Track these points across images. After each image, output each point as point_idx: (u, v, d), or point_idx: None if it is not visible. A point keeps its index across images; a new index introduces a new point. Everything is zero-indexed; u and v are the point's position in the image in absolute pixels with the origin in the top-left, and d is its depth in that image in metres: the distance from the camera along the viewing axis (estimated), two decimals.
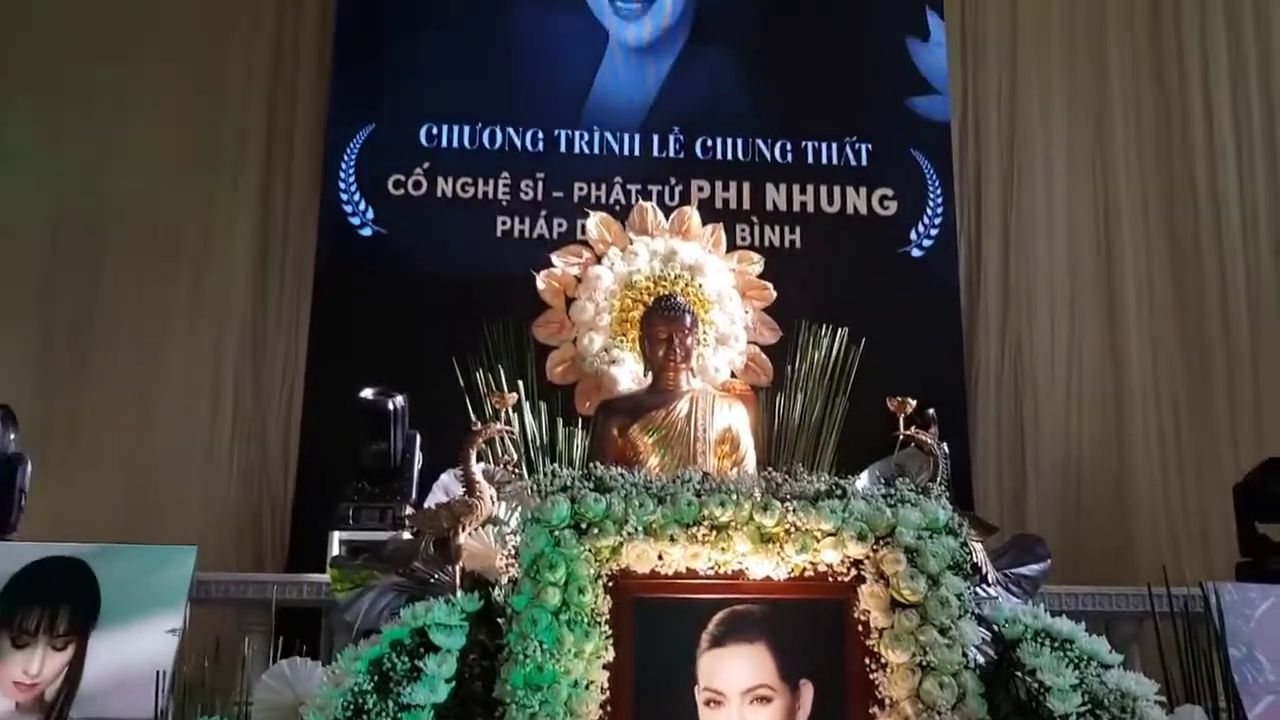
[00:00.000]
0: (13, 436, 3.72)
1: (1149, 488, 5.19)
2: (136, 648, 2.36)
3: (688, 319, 3.25)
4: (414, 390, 4.08)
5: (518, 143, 5.22)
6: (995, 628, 2.19)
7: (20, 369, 4.83)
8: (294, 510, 4.79)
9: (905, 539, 2.13)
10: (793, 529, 2.13)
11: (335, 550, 3.87)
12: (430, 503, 3.26)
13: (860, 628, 2.14)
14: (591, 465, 2.29)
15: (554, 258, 3.50)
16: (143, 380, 4.95)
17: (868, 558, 2.15)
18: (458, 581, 2.46)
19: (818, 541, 2.12)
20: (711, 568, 2.14)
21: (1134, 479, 5.19)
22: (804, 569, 2.15)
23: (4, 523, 3.53)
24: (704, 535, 2.12)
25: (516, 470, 2.89)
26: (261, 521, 4.85)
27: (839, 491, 2.19)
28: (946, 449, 4.01)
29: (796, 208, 5.24)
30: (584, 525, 2.14)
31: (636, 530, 2.11)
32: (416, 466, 4.09)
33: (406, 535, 3.37)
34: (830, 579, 2.16)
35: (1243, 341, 5.39)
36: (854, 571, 2.16)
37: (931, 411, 4.08)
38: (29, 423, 3.89)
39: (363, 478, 4.04)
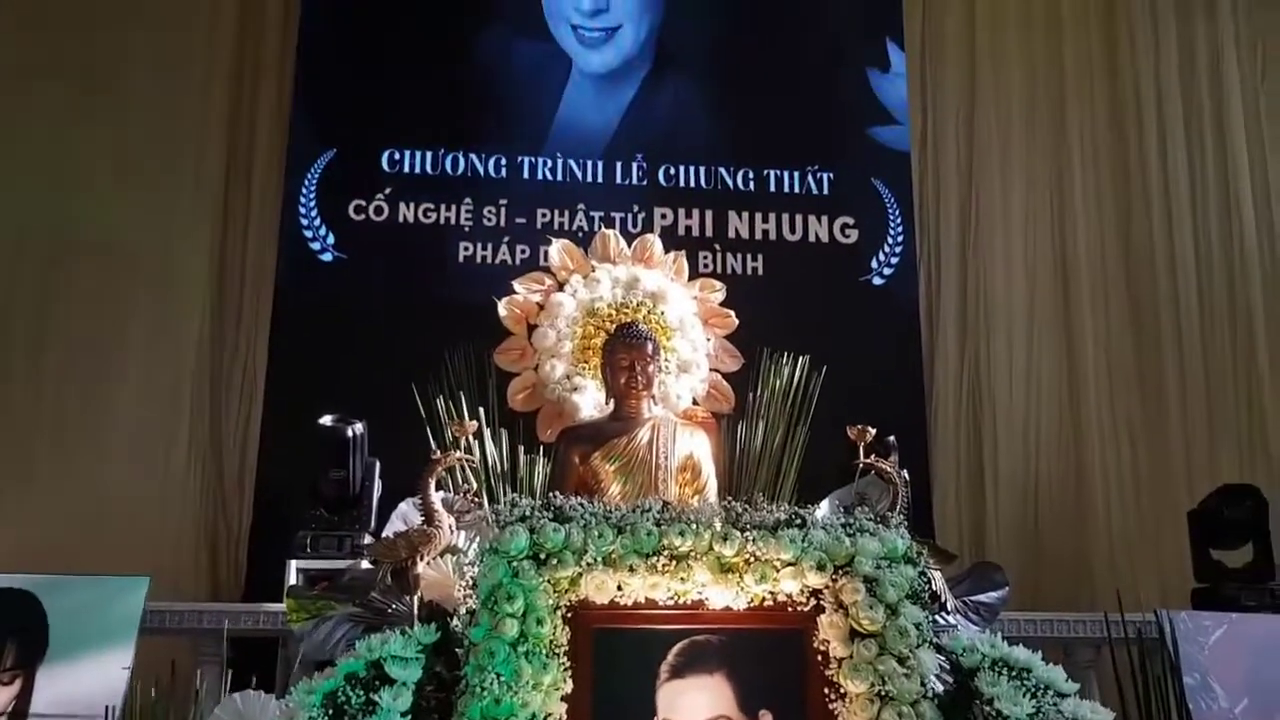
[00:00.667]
0: None
1: (1106, 514, 5.27)
2: (86, 681, 2.31)
3: (649, 346, 3.25)
4: (373, 417, 4.04)
5: (481, 169, 5.23)
6: (953, 656, 2.19)
7: None
8: (251, 538, 4.74)
9: (864, 568, 2.14)
10: (752, 559, 2.13)
11: (293, 579, 3.83)
12: (389, 531, 3.23)
13: (820, 657, 2.13)
14: (551, 495, 2.28)
15: (516, 284, 3.48)
16: (99, 404, 4.87)
17: (827, 587, 2.15)
18: (416, 612, 2.43)
19: (777, 571, 2.12)
20: (671, 598, 2.13)
21: (1091, 505, 5.27)
22: (763, 599, 2.14)
23: None
24: (663, 565, 2.12)
25: (476, 499, 2.88)
26: (218, 549, 4.79)
27: (798, 521, 2.19)
28: (906, 476, 4.08)
29: (759, 235, 5.29)
30: (543, 556, 2.12)
31: (596, 561, 2.10)
32: (376, 494, 4.06)
33: (365, 565, 3.33)
34: (790, 609, 2.15)
35: (1197, 370, 5.51)
36: (813, 601, 2.16)
37: (892, 439, 4.10)
38: None
39: (321, 505, 4.01)
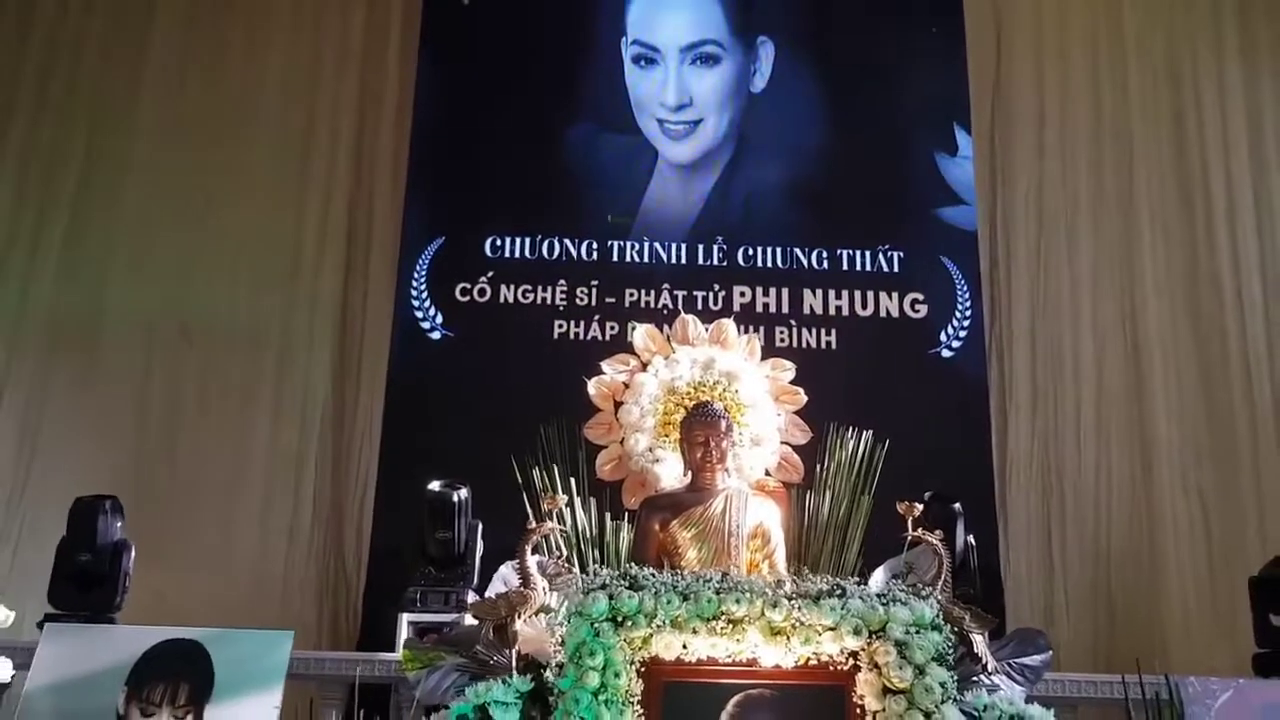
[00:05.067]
0: (119, 525, 4.14)
1: (1180, 582, 5.36)
2: (244, 718, 2.77)
3: (723, 424, 3.56)
4: (477, 482, 4.34)
5: (574, 253, 5.68)
6: (975, 713, 2.49)
7: (120, 463, 5.31)
8: (365, 593, 5.16)
9: (895, 634, 2.47)
10: (798, 624, 2.47)
11: (404, 630, 4.10)
12: (490, 592, 3.57)
13: (857, 710, 2.46)
14: (629, 565, 2.65)
15: (604, 365, 3.85)
16: (230, 473, 5.39)
17: (863, 649, 2.49)
18: (514, 664, 2.79)
19: (819, 635, 2.47)
20: (728, 656, 2.49)
21: (1164, 574, 5.37)
22: (808, 658, 2.49)
23: (110, 603, 3.96)
24: (722, 628, 2.47)
25: (567, 564, 3.24)
26: (337, 602, 5.23)
27: (839, 591, 2.53)
28: (970, 541, 4.32)
29: (832, 311, 5.60)
30: (619, 618, 2.50)
31: (664, 623, 2.47)
32: (478, 553, 4.34)
33: (469, 620, 3.70)
34: (831, 668, 2.49)
35: (1269, 439, 5.56)
36: (851, 661, 2.49)
37: (958, 506, 4.36)
38: (128, 512, 4.27)
39: (429, 564, 4.27)
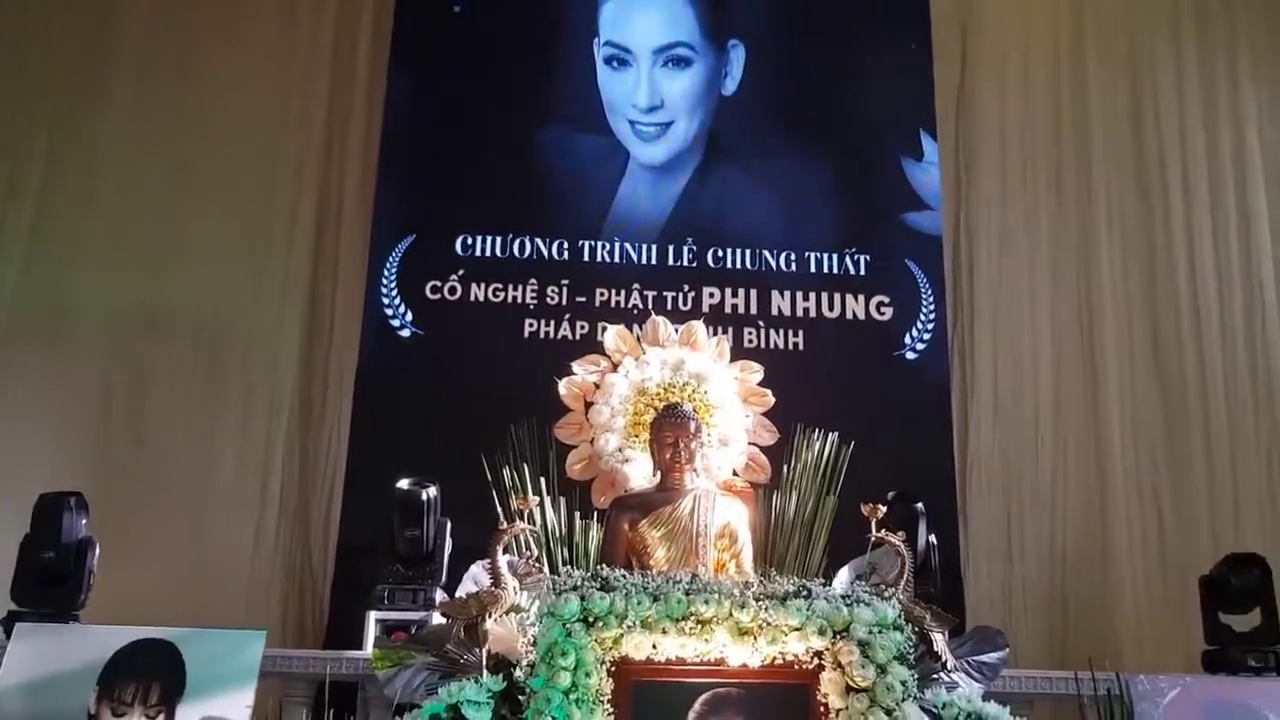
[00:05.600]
0: (83, 521, 4.10)
1: (1131, 580, 5.47)
2: (217, 716, 2.79)
3: (692, 425, 3.61)
4: (446, 481, 4.35)
5: (545, 252, 5.70)
6: (935, 710, 2.57)
7: (83, 457, 5.28)
8: (332, 590, 5.17)
9: (858, 634, 2.54)
10: (765, 624, 2.53)
11: (372, 627, 4.14)
12: (461, 591, 3.63)
13: (822, 708, 2.53)
14: (599, 567, 2.70)
15: (575, 366, 3.89)
16: (197, 467, 5.36)
17: (827, 649, 2.55)
18: (484, 663, 2.84)
19: (785, 635, 2.53)
20: (697, 656, 2.55)
21: (1117, 573, 5.47)
22: (774, 658, 2.55)
23: (74, 600, 3.93)
24: (691, 628, 2.53)
25: (537, 564, 3.28)
26: (304, 600, 5.23)
27: (805, 593, 2.60)
28: (932, 542, 4.40)
29: (800, 313, 5.67)
30: (591, 619, 2.55)
31: (635, 624, 2.52)
32: (447, 552, 4.33)
33: (439, 619, 3.73)
34: (796, 667, 2.56)
35: (1223, 442, 5.70)
36: (816, 660, 2.56)
37: (920, 506, 4.45)
38: (91, 508, 4.22)
39: (397, 562, 4.27)
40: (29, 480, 4.75)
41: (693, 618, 2.53)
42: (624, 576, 2.63)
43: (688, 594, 2.56)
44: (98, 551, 4.09)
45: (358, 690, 3.91)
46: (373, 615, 4.15)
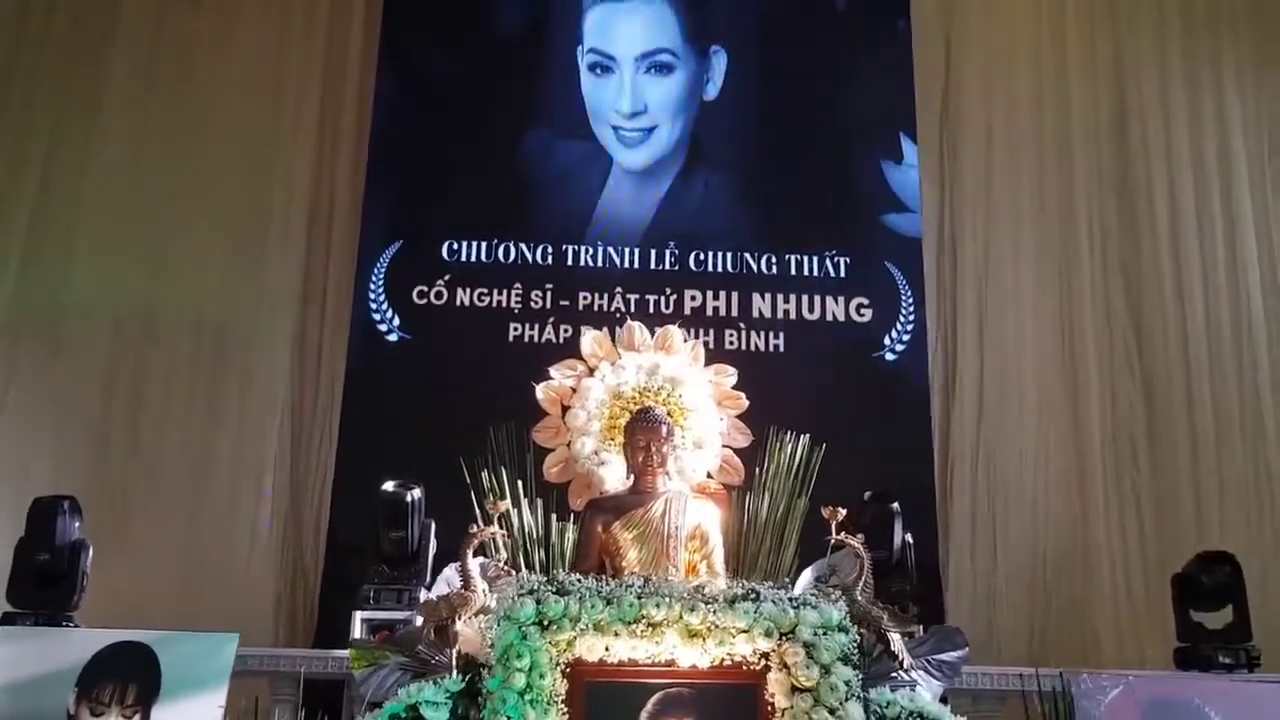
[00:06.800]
0: (77, 525, 4.26)
1: (1111, 578, 5.54)
2: (190, 718, 2.91)
3: (664, 429, 3.68)
4: (431, 483, 4.48)
5: (529, 257, 5.80)
6: (878, 708, 2.67)
7: (81, 458, 5.41)
8: (322, 590, 5.28)
9: (804, 635, 2.63)
10: (713, 626, 2.63)
11: (358, 628, 4.24)
12: (435, 594, 3.73)
13: (769, 708, 2.62)
14: (554, 571, 2.80)
15: (552, 370, 3.96)
16: (193, 468, 5.48)
17: (774, 650, 2.65)
18: (454, 663, 2.94)
19: (733, 637, 2.63)
20: (649, 657, 2.64)
21: (1097, 571, 5.54)
22: (723, 659, 2.64)
23: (68, 602, 4.07)
24: (642, 631, 2.62)
25: (507, 568, 3.38)
26: (296, 600, 5.34)
27: (753, 595, 2.69)
28: (905, 540, 4.48)
29: (780, 315, 5.76)
30: (545, 622, 2.65)
31: (588, 627, 2.62)
32: (431, 553, 4.47)
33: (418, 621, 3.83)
34: (744, 667, 2.65)
35: (1208, 436, 5.75)
36: (763, 661, 2.65)
37: (895, 505, 4.54)
38: (89, 509, 4.40)
39: (383, 562, 4.42)
40: (27, 482, 4.90)
41: (644, 620, 2.63)
42: (579, 581, 2.73)
43: (639, 597, 2.65)
44: (91, 554, 4.23)
45: (342, 689, 4.04)
46: (359, 615, 4.28)
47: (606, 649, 2.63)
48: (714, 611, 2.63)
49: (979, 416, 5.79)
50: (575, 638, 2.62)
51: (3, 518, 4.67)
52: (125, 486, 5.42)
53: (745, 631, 2.62)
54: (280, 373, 5.69)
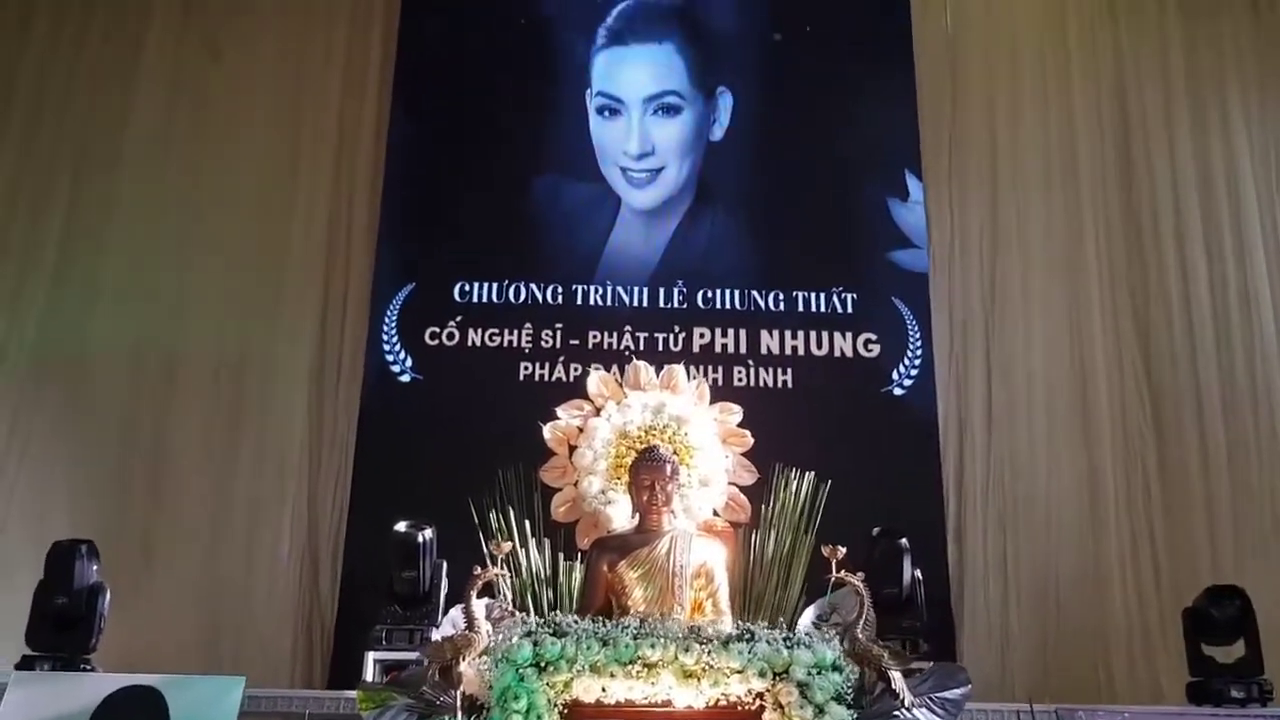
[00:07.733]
0: (94, 568, 4.31)
1: (1125, 611, 5.51)
2: None
3: (668, 468, 3.70)
4: (442, 523, 4.49)
5: (540, 297, 5.89)
6: None
7: (100, 500, 5.49)
8: (336, 630, 5.33)
9: (798, 675, 2.67)
10: (708, 667, 2.67)
11: (370, 667, 4.26)
12: (441, 634, 3.76)
13: None
14: (554, 614, 2.84)
15: (559, 410, 4.01)
16: (212, 509, 5.55)
17: (768, 690, 2.68)
18: (458, 704, 2.99)
19: (728, 677, 2.66)
20: (644, 698, 2.68)
21: (1110, 603, 5.51)
22: (718, 699, 2.68)
23: (85, 644, 4.11)
24: (638, 672, 2.67)
25: (511, 609, 3.42)
26: (312, 639, 5.38)
27: (747, 636, 2.73)
28: (915, 575, 4.47)
29: (788, 351, 5.80)
30: (543, 663, 2.69)
31: (584, 668, 2.67)
32: (443, 593, 4.48)
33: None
34: (739, 707, 2.69)
35: (1220, 467, 5.72)
36: (758, 701, 2.69)
37: (904, 541, 4.54)
38: (107, 550, 4.45)
39: (395, 602, 4.43)
40: (46, 526, 4.98)
41: (640, 661, 2.67)
42: (575, 622, 2.77)
43: (635, 638, 2.69)
44: (109, 596, 4.28)
45: None
46: (371, 655, 4.30)
47: (603, 690, 2.68)
48: (709, 652, 2.67)
49: (989, 449, 5.79)
50: (572, 679, 2.67)
51: (22, 561, 4.75)
52: (143, 528, 5.50)
53: (740, 672, 2.65)
54: (297, 414, 5.77)
